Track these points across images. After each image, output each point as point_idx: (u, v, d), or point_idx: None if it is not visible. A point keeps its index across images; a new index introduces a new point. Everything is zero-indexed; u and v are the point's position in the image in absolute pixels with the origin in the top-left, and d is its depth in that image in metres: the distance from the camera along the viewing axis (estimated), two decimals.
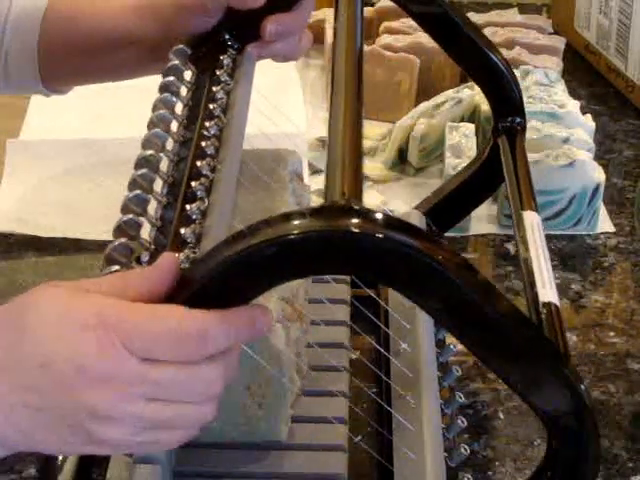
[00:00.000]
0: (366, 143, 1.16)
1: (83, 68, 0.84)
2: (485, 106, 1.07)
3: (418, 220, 0.88)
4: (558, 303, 0.64)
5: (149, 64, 0.81)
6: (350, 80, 0.62)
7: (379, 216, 0.51)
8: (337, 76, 0.63)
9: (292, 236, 0.51)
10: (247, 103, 0.74)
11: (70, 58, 0.83)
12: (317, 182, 1.08)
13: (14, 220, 1.02)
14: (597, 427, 0.59)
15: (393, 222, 0.52)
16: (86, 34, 0.81)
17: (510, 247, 1.00)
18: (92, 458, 0.75)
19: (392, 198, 1.07)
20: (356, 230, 0.51)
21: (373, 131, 1.17)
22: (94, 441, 0.53)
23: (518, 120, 0.81)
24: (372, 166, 1.12)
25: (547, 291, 0.64)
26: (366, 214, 0.51)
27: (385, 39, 1.22)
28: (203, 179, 0.63)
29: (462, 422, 0.72)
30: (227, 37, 0.77)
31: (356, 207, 0.52)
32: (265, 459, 0.70)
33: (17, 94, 0.88)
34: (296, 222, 0.51)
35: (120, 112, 1.13)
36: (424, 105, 1.11)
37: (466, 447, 0.70)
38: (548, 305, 0.63)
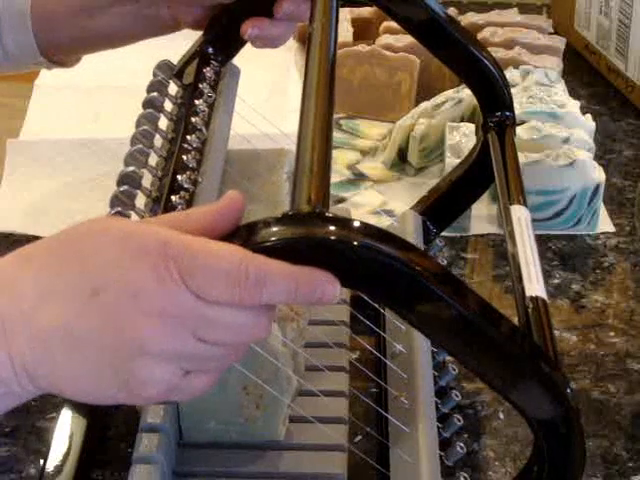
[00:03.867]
0: (366, 143, 1.16)
1: (81, 31, 0.82)
2: None
3: (414, 220, 0.88)
4: (546, 297, 0.63)
5: (150, 23, 0.81)
6: (322, 87, 0.62)
7: (343, 222, 0.52)
8: (309, 82, 0.63)
9: (251, 247, 0.52)
10: (230, 115, 0.75)
11: (66, 20, 0.81)
12: None
13: (14, 220, 1.01)
14: (582, 428, 0.58)
15: (355, 227, 0.52)
16: None
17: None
18: (92, 458, 0.75)
19: (392, 198, 1.07)
20: (319, 236, 0.52)
21: (373, 131, 1.17)
22: (133, 382, 0.52)
23: (507, 114, 0.81)
24: (372, 166, 1.12)
25: (534, 285, 0.63)
26: (330, 220, 0.52)
27: (385, 39, 1.22)
28: (183, 192, 0.64)
29: (458, 420, 0.72)
30: (211, 50, 0.78)
31: (321, 213, 0.52)
32: (265, 459, 0.70)
33: (18, 70, 0.86)
34: (261, 231, 0.52)
35: (120, 112, 1.13)
36: (424, 105, 1.11)
37: (462, 445, 0.70)
38: (535, 299, 0.62)
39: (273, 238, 0.52)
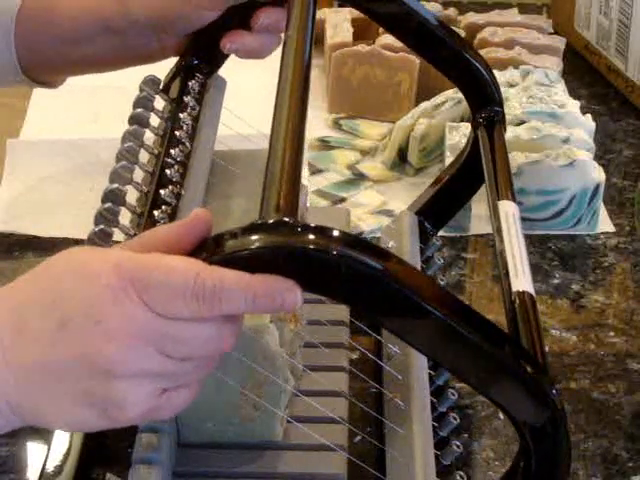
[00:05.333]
0: (366, 143, 1.16)
1: (65, 57, 0.82)
2: None
3: (410, 220, 0.87)
4: (532, 291, 0.63)
5: (137, 55, 0.81)
6: (294, 95, 0.62)
7: (315, 231, 0.52)
8: (281, 90, 0.63)
9: (216, 259, 0.52)
10: (215, 127, 0.76)
11: (51, 47, 0.81)
12: (316, 182, 1.08)
13: (14, 220, 1.02)
14: (568, 428, 0.58)
15: (320, 234, 0.52)
16: (67, 22, 0.80)
17: None
18: (92, 458, 0.75)
19: (392, 198, 1.07)
20: (281, 244, 0.52)
21: (373, 131, 1.17)
22: (112, 408, 0.52)
23: (496, 110, 0.81)
24: (372, 166, 1.12)
25: (520, 280, 0.63)
26: (294, 228, 0.52)
27: (385, 39, 1.22)
28: (165, 207, 0.65)
29: (454, 419, 0.72)
30: (196, 63, 0.78)
31: (285, 222, 0.53)
32: (265, 459, 0.70)
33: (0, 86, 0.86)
34: (228, 243, 0.53)
35: (120, 112, 1.13)
36: (424, 105, 1.11)
37: (458, 444, 0.70)
38: (522, 294, 0.62)
39: (238, 249, 0.52)
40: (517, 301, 0.62)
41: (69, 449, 0.74)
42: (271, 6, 0.76)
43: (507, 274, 0.63)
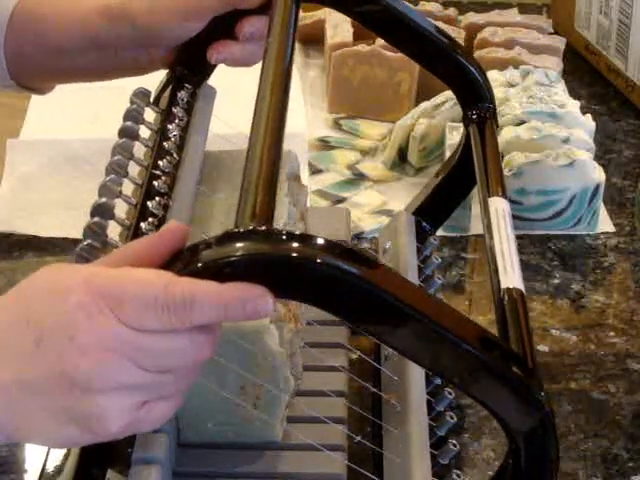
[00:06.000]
0: (366, 143, 1.16)
1: (54, 68, 0.82)
2: None
3: (406, 220, 0.87)
4: (522, 287, 0.62)
5: (125, 67, 0.81)
6: (274, 101, 0.62)
7: (286, 238, 0.52)
8: (261, 96, 0.63)
9: (193, 269, 0.53)
10: (204, 136, 0.76)
11: (39, 57, 0.81)
12: (317, 182, 1.08)
13: (14, 220, 1.02)
14: (556, 430, 0.58)
15: (294, 241, 0.52)
16: (54, 35, 0.80)
17: None
18: (92, 458, 0.75)
19: (392, 198, 1.07)
20: (256, 253, 0.52)
21: (373, 131, 1.17)
22: (91, 422, 0.53)
23: (487, 106, 0.81)
24: (372, 166, 1.12)
25: (509, 276, 0.62)
26: (266, 236, 0.53)
27: None
28: (152, 219, 0.65)
29: (451, 418, 0.72)
30: (184, 74, 0.78)
31: (261, 230, 0.53)
32: (266, 459, 0.70)
33: None
34: (202, 253, 0.53)
35: (120, 112, 1.13)
36: (424, 105, 1.11)
37: (455, 443, 0.70)
38: (511, 291, 0.61)
39: (212, 258, 0.53)
40: (506, 298, 0.61)
41: (69, 449, 0.74)
42: (255, 15, 0.77)
43: (496, 270, 0.63)
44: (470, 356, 0.55)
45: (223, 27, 0.77)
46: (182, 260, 0.54)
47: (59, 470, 0.73)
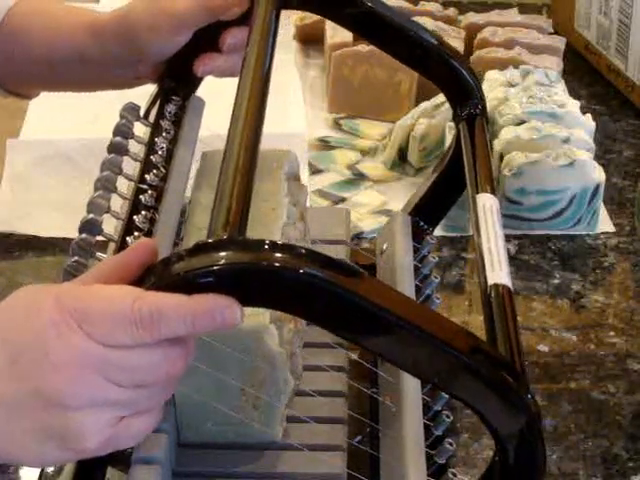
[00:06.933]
0: (366, 143, 1.16)
1: (41, 78, 0.83)
2: None
3: (402, 221, 0.87)
4: (509, 284, 0.62)
5: (112, 82, 0.82)
6: (250, 109, 0.62)
7: (264, 247, 0.52)
8: (238, 104, 0.63)
9: (164, 283, 0.53)
10: (191, 148, 0.77)
11: (26, 67, 0.82)
12: (317, 182, 1.08)
13: (14, 220, 1.02)
14: (542, 432, 0.57)
15: (265, 250, 0.52)
16: (41, 49, 0.81)
17: (510, 247, 1.00)
18: (92, 458, 0.75)
19: (392, 198, 1.07)
20: (231, 263, 0.52)
21: (373, 131, 1.17)
22: (70, 439, 0.53)
23: (475, 103, 0.81)
24: (372, 166, 1.12)
25: (496, 272, 0.62)
26: (238, 245, 0.53)
27: None
28: (138, 232, 0.66)
29: (447, 417, 0.72)
30: (172, 86, 0.78)
31: (230, 240, 0.53)
32: (265, 459, 0.70)
33: None
34: (174, 266, 0.53)
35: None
36: (424, 105, 1.11)
37: (451, 442, 0.70)
38: (497, 287, 0.61)
39: (183, 271, 0.53)
40: (493, 295, 0.61)
41: None
42: (236, 26, 0.77)
43: (483, 267, 0.63)
44: (453, 360, 0.55)
45: (207, 39, 0.78)
46: (154, 274, 0.54)
47: (59, 470, 0.73)
